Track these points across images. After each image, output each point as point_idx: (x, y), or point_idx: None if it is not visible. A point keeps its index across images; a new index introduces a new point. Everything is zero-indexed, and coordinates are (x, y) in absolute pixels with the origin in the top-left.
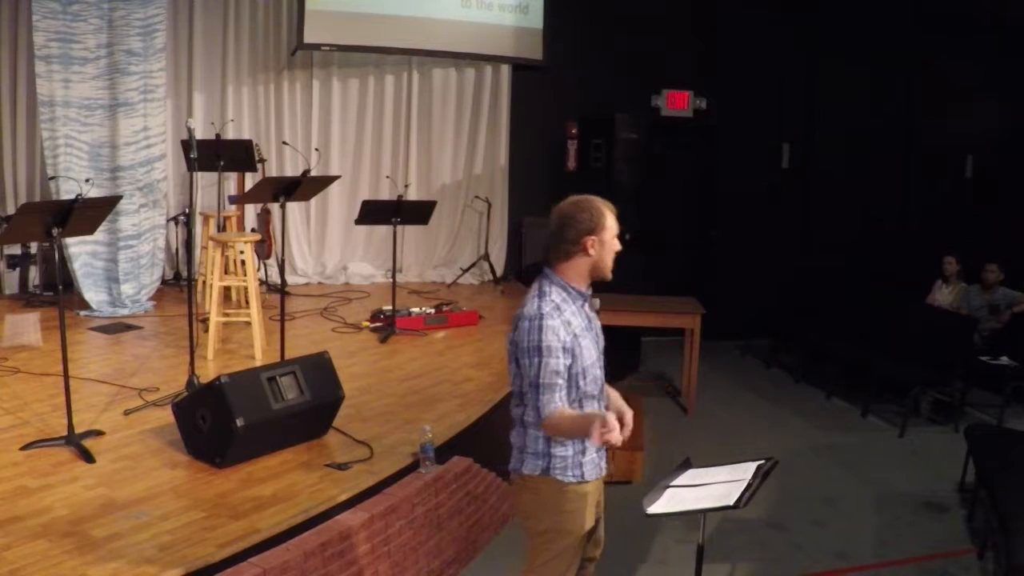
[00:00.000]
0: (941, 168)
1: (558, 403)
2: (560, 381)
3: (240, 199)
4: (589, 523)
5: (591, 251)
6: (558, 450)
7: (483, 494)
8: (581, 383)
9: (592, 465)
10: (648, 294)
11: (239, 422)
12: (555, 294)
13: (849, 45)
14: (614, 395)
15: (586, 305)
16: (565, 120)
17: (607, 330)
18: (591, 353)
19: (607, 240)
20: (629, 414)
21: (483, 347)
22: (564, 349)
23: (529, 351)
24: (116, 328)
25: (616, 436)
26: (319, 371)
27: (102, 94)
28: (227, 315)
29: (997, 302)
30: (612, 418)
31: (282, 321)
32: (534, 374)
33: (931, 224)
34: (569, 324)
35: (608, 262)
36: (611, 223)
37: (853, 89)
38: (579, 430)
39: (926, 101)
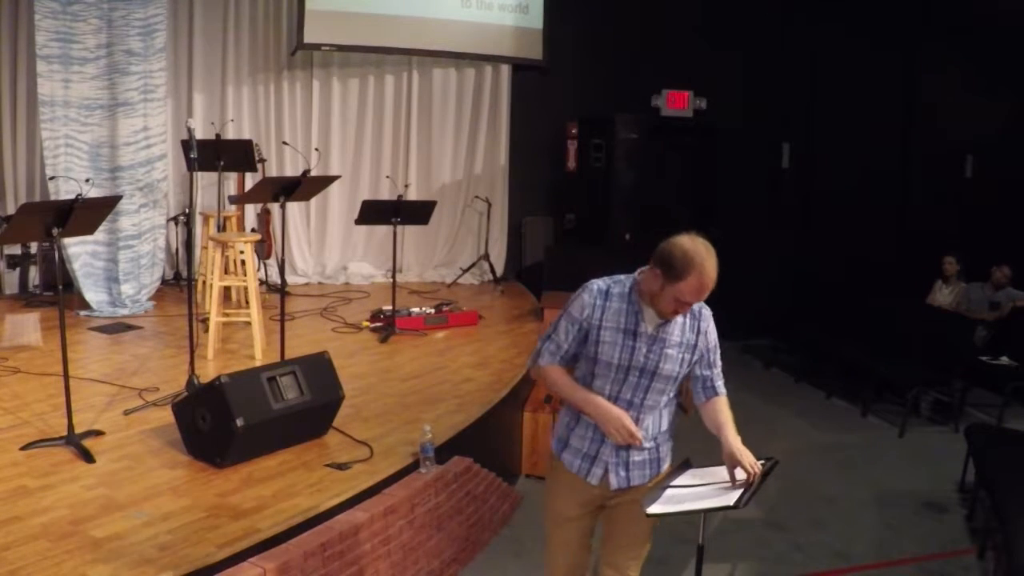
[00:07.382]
0: (941, 168)
1: (548, 358)
2: (562, 343)
3: (240, 199)
4: (564, 510)
5: (648, 280)
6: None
7: (483, 494)
8: (592, 376)
9: (571, 459)
10: None
11: (239, 422)
12: (618, 286)
13: (849, 44)
14: (733, 448)
15: (641, 316)
16: (565, 120)
17: None
18: (611, 351)
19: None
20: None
21: (483, 347)
22: (579, 324)
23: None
24: (116, 328)
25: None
26: (319, 371)
27: (102, 94)
28: (227, 315)
29: (999, 299)
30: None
31: (282, 321)
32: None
33: (931, 224)
34: (597, 308)
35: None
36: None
37: (853, 89)
38: (556, 389)
39: (926, 101)
